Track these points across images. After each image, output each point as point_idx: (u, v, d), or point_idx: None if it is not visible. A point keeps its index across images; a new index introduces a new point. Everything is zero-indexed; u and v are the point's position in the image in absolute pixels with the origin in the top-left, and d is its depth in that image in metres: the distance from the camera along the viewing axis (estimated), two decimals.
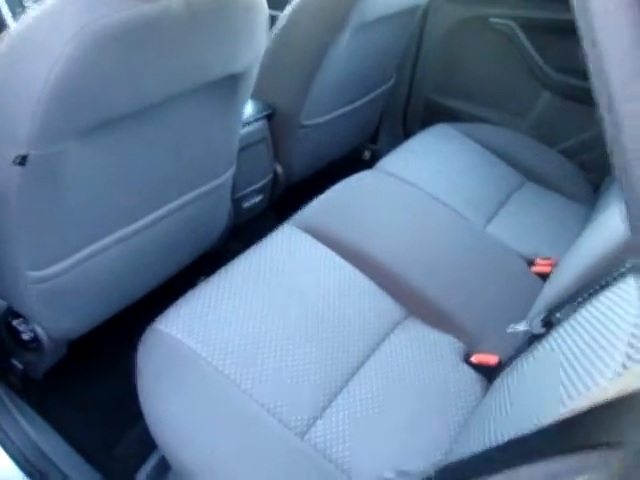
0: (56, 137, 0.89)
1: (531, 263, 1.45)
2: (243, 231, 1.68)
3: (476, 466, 0.62)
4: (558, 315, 0.95)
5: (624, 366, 0.59)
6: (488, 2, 1.95)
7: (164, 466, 1.18)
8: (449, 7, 1.99)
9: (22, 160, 0.88)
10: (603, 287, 0.87)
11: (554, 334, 0.90)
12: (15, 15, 1.69)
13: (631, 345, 0.62)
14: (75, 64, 0.83)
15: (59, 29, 0.83)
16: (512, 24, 1.91)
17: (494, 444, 0.69)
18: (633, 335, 0.64)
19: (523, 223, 1.59)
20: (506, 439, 0.67)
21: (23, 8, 1.71)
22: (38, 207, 0.98)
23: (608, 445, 0.44)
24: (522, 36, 1.91)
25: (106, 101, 0.92)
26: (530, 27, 1.90)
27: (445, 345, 1.17)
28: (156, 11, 0.89)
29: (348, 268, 1.26)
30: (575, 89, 1.88)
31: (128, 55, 0.89)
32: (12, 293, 1.16)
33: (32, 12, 0.86)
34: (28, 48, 0.86)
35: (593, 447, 0.46)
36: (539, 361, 0.84)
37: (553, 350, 0.83)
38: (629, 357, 0.60)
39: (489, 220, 1.56)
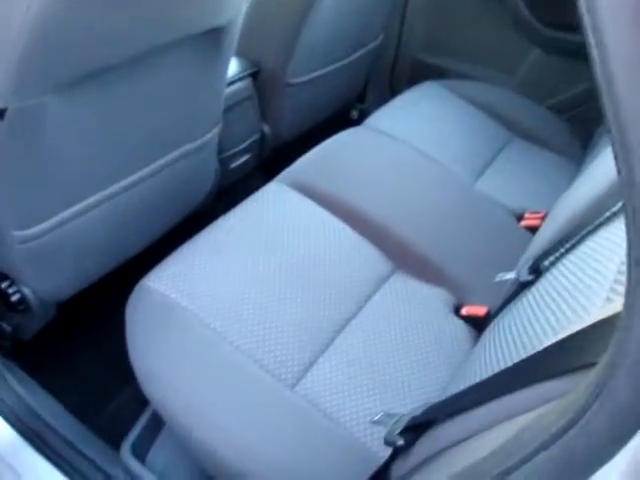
0: (33, 90, 0.87)
1: (520, 218, 1.45)
2: (230, 191, 1.67)
3: (470, 397, 0.62)
4: (546, 263, 0.95)
5: (609, 299, 0.59)
6: None
7: (157, 422, 1.19)
8: None
9: (1, 114, 0.87)
10: (590, 232, 0.87)
11: (542, 280, 0.90)
12: None
13: (617, 281, 0.62)
14: (45, 17, 0.80)
15: None
16: None
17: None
18: (619, 272, 0.64)
19: (512, 179, 1.58)
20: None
21: None
22: (20, 164, 0.97)
23: (592, 365, 0.45)
24: None
25: (82, 52, 0.90)
26: None
27: (434, 298, 1.18)
28: None
29: (336, 223, 1.25)
30: (564, 44, 1.86)
31: (100, 5, 0.87)
32: None
33: None
34: None
35: (580, 368, 0.47)
36: (527, 306, 0.85)
37: (541, 295, 0.84)
38: (615, 292, 0.60)
39: (478, 176, 1.56)
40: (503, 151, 1.69)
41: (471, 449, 0.60)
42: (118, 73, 0.99)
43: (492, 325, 1.01)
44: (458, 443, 0.62)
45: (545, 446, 0.45)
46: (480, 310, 1.15)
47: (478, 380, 0.70)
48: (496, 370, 0.72)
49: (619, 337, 0.41)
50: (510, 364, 0.64)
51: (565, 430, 0.43)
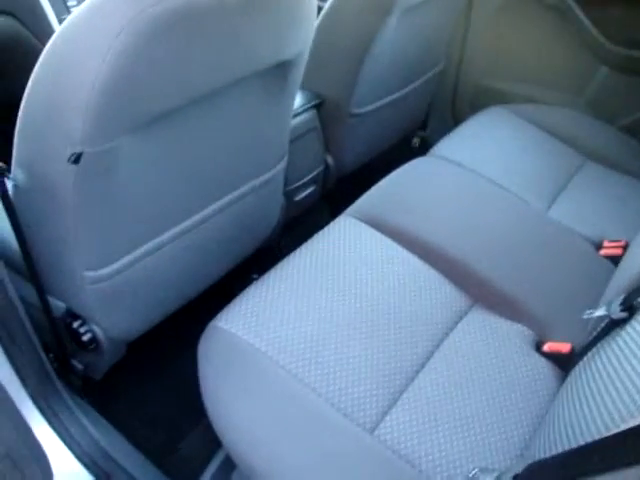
0: (109, 133, 0.87)
1: (599, 246, 1.38)
2: (296, 225, 1.66)
3: (577, 463, 0.57)
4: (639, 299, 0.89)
5: None
6: None
7: (229, 465, 1.16)
8: None
9: (77, 158, 0.87)
10: None
11: (639, 319, 0.84)
12: (61, 22, 1.70)
13: None
14: (124, 58, 0.81)
15: (106, 24, 0.80)
16: None
17: (583, 442, 0.65)
18: None
19: (587, 205, 1.52)
20: (597, 437, 0.62)
21: (69, 14, 1.71)
22: (92, 205, 0.97)
23: None
24: (576, 9, 1.82)
25: (157, 94, 0.89)
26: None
27: (514, 334, 1.12)
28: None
29: (409, 257, 1.22)
30: (635, 61, 1.79)
31: (177, 46, 0.86)
32: (70, 294, 1.15)
33: (76, 10, 0.84)
34: (76, 45, 0.84)
35: None
36: (625, 347, 0.79)
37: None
38: None
39: (551, 203, 1.50)
40: (576, 176, 1.63)
41: None
42: (188, 111, 0.99)
43: (581, 365, 0.96)
44: None
45: None
46: (564, 347, 1.09)
47: (586, 435, 0.65)
48: (598, 422, 0.67)
49: None
50: (627, 420, 0.58)
51: None
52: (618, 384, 0.72)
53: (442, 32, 1.83)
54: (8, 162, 1.01)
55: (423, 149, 1.65)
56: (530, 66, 2.00)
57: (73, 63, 0.83)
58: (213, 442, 1.21)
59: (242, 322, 1.04)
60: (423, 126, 2.17)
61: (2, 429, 0.92)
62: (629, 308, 0.89)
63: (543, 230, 1.38)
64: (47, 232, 1.05)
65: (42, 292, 1.16)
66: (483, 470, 0.82)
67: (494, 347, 1.09)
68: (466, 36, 2.03)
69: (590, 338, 1.00)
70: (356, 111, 1.64)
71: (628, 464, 0.48)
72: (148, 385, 1.39)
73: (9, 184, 1.01)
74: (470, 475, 0.85)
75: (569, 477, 0.55)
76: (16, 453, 0.93)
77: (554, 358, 1.10)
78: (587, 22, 1.83)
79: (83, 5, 0.82)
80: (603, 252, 1.36)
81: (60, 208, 0.97)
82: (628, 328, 0.85)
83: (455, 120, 2.10)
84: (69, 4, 1.74)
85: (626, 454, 0.50)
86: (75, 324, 1.18)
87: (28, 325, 1.07)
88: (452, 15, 1.79)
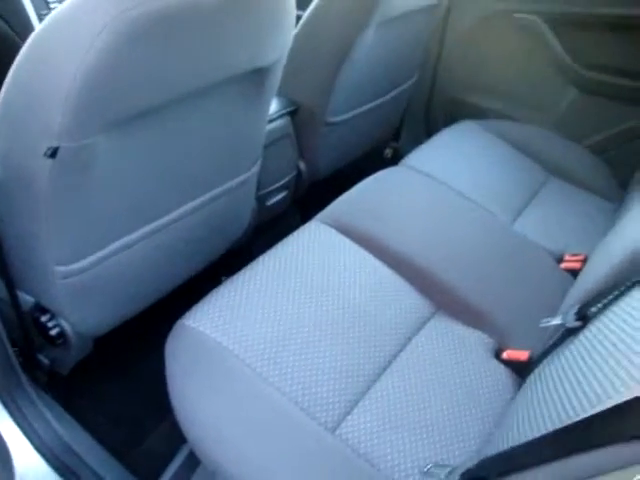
0: (87, 129, 0.89)
1: (560, 259, 1.43)
2: (267, 228, 1.68)
3: (520, 458, 0.60)
4: (593, 309, 0.93)
5: None
6: None
7: (193, 462, 1.18)
8: (472, 3, 1.98)
9: (53, 152, 0.88)
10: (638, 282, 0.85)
11: (591, 327, 0.88)
12: (41, 17, 1.71)
13: None
14: (105, 56, 0.82)
15: (88, 21, 0.82)
16: (537, 19, 1.88)
17: (534, 436, 0.68)
18: None
19: (550, 219, 1.57)
20: (548, 431, 0.65)
21: (49, 10, 1.72)
22: (67, 200, 0.98)
23: None
24: (548, 32, 1.88)
25: (135, 93, 0.91)
26: (556, 22, 1.87)
27: (475, 341, 1.16)
28: (184, 3, 0.88)
29: (376, 264, 1.25)
30: (603, 85, 1.86)
31: (157, 47, 0.88)
32: (40, 288, 1.16)
33: (60, 6, 0.86)
34: (58, 41, 0.85)
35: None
36: (577, 355, 0.83)
37: (592, 345, 0.82)
38: None
39: (516, 216, 1.54)
40: (541, 191, 1.68)
41: None
42: (165, 112, 1.01)
43: (537, 372, 0.99)
44: None
45: None
46: (522, 355, 1.13)
47: (528, 433, 0.68)
48: (548, 425, 0.70)
49: None
50: (566, 420, 0.62)
51: None
52: (565, 386, 0.75)
53: (417, 45, 1.87)
54: None
55: (395, 159, 1.68)
56: (502, 82, 2.05)
57: (55, 56, 0.84)
58: (177, 439, 1.22)
59: (210, 321, 1.06)
60: (396, 137, 2.21)
61: None
62: (583, 318, 0.93)
63: (508, 242, 1.43)
64: (20, 226, 1.06)
65: (12, 286, 1.16)
66: (437, 465, 0.85)
67: (455, 353, 1.12)
68: (441, 50, 2.08)
69: (546, 346, 1.04)
70: (330, 119, 1.68)
71: (555, 458, 0.51)
72: (113, 382, 1.40)
73: None
74: (425, 470, 0.88)
75: (509, 470, 0.59)
76: None
77: (512, 365, 1.14)
78: (558, 46, 1.89)
79: (67, 1, 0.84)
80: (564, 265, 1.41)
81: (34, 201, 0.98)
82: (580, 336, 0.89)
83: (428, 132, 2.14)
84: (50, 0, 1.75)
85: (554, 451, 0.53)
86: (43, 318, 1.18)
87: None
88: (428, 29, 1.84)
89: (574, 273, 1.36)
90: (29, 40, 0.87)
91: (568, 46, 1.88)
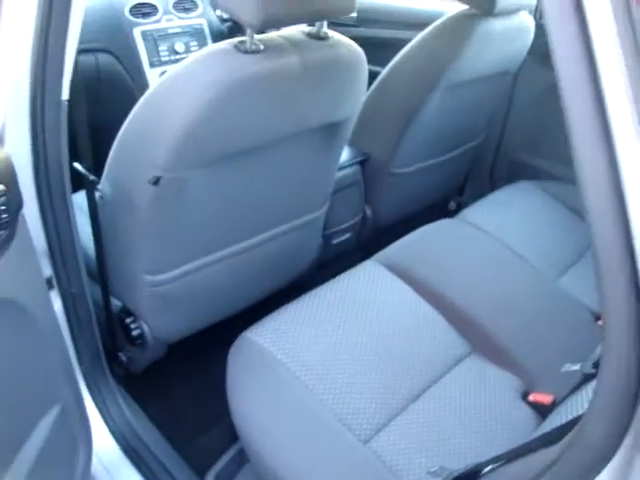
0: (185, 165, 1.08)
1: (598, 317, 1.51)
2: (330, 265, 1.83)
3: (507, 455, 0.74)
4: None
5: None
6: None
7: (240, 460, 1.33)
8: (540, 71, 2.09)
9: (156, 181, 1.08)
10: None
11: None
12: (152, 64, 1.96)
13: None
14: (207, 109, 1.02)
15: (198, 80, 1.03)
16: None
17: None
18: None
19: (594, 280, 1.65)
20: None
21: (159, 58, 1.98)
22: (161, 221, 1.17)
23: None
24: None
25: (227, 139, 1.11)
26: None
27: (505, 382, 1.26)
28: (276, 67, 1.07)
29: (421, 303, 1.38)
30: None
31: (249, 102, 1.08)
32: (128, 294, 1.36)
33: (178, 65, 1.07)
34: (172, 93, 1.06)
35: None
36: (584, 400, 0.93)
37: None
38: None
39: (562, 274, 1.64)
40: (588, 253, 1.76)
41: None
42: (250, 155, 1.19)
43: (555, 412, 1.10)
44: None
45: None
46: (546, 398, 1.22)
47: None
48: None
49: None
50: None
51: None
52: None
53: (484, 109, 2.00)
54: (98, 176, 1.23)
55: (458, 213, 1.80)
56: (562, 147, 2.14)
57: (169, 104, 1.05)
58: (229, 440, 1.39)
59: (268, 336, 1.22)
60: (460, 191, 2.34)
61: (63, 389, 1.10)
62: (597, 365, 1.03)
63: (549, 296, 1.53)
64: (119, 239, 1.27)
65: (107, 292, 1.36)
66: (443, 468, 0.97)
67: (484, 390, 1.24)
68: (508, 113, 2.20)
69: (567, 392, 1.14)
70: (397, 171, 1.84)
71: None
72: (179, 384, 1.57)
73: (97, 195, 1.23)
74: (432, 470, 0.99)
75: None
76: (69, 412, 1.12)
77: (537, 408, 1.24)
78: None
79: (184, 62, 1.05)
80: (601, 322, 1.49)
81: (134, 220, 1.18)
82: (593, 381, 0.99)
83: (491, 189, 2.25)
84: (160, 49, 2.01)
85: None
86: (128, 320, 1.38)
87: (94, 319, 1.27)
88: (494, 95, 1.97)
89: None
90: (149, 89, 1.09)
91: None
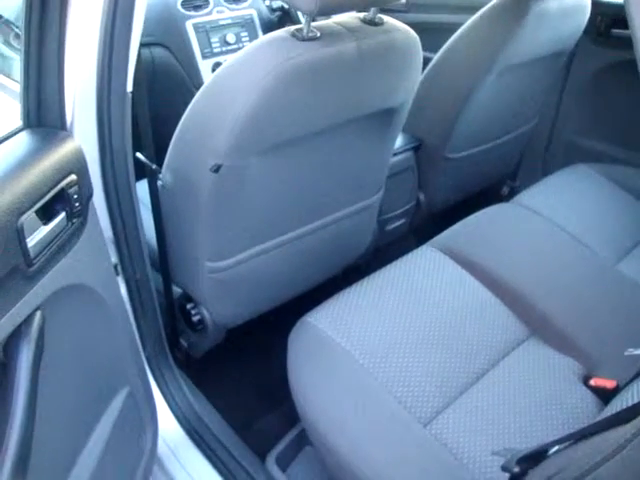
0: (245, 152, 1.11)
1: None
2: (385, 250, 1.84)
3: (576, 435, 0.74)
4: None
5: None
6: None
7: (300, 441, 1.36)
8: (597, 51, 2.05)
9: (217, 168, 1.10)
10: None
11: None
12: (204, 56, 2.00)
13: None
14: (266, 96, 1.04)
15: (256, 68, 1.04)
16: None
17: None
18: None
19: None
20: None
21: (211, 49, 2.01)
22: (222, 207, 1.20)
23: None
24: None
25: (285, 126, 1.12)
26: None
27: (565, 366, 1.26)
28: (333, 54, 1.08)
29: (479, 287, 1.38)
30: None
31: (307, 89, 1.09)
32: (189, 280, 1.39)
33: (236, 54, 1.09)
34: (231, 82, 1.08)
35: None
36: None
37: None
38: None
39: (621, 258, 1.61)
40: None
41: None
42: (306, 142, 1.21)
43: (619, 397, 1.08)
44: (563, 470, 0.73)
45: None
46: (609, 383, 1.21)
47: None
48: None
49: None
50: None
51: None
52: None
53: (538, 91, 1.97)
54: (159, 165, 1.26)
55: (511, 197, 1.79)
56: (623, 130, 2.10)
57: (228, 93, 1.07)
58: (287, 424, 1.41)
59: (328, 320, 1.24)
60: (513, 176, 2.32)
61: (131, 371, 1.15)
62: None
63: (609, 279, 1.50)
64: (181, 227, 1.30)
65: (168, 279, 1.40)
66: (507, 449, 0.97)
67: (544, 374, 1.23)
68: (561, 96, 2.16)
69: (632, 375, 1.12)
70: (450, 156, 1.83)
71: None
72: (239, 368, 1.61)
73: (159, 184, 1.27)
74: (496, 450, 1.00)
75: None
76: (137, 394, 1.16)
77: (599, 392, 1.23)
78: None
79: (242, 51, 1.07)
80: None
81: (196, 207, 1.21)
82: None
83: (545, 174, 2.22)
84: (212, 40, 2.04)
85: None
86: (188, 306, 1.42)
87: (156, 305, 1.31)
88: (549, 76, 1.94)
89: None
90: (209, 80, 1.11)
91: None
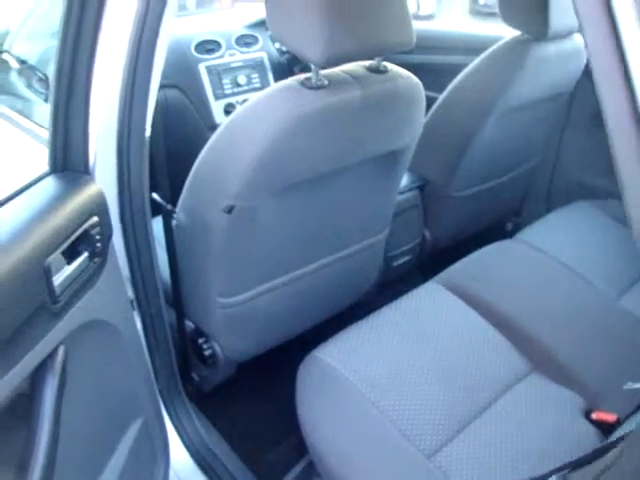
0: (256, 194, 1.16)
1: None
2: (391, 286, 1.88)
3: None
4: None
5: None
6: None
7: (308, 474, 1.39)
8: (594, 93, 2.10)
9: (230, 209, 1.16)
10: None
11: None
12: (216, 97, 2.08)
13: None
14: (274, 144, 1.11)
15: (266, 117, 1.11)
16: None
17: None
18: None
19: None
20: None
21: (223, 90, 2.09)
22: (234, 247, 1.25)
23: None
24: None
25: (295, 169, 1.18)
26: None
27: (566, 400, 1.28)
28: (339, 102, 1.14)
29: (482, 323, 1.42)
30: None
31: (315, 136, 1.15)
32: (201, 315, 1.44)
33: (249, 102, 1.15)
34: (243, 129, 1.14)
35: None
36: None
37: None
38: None
39: (622, 293, 1.64)
40: None
41: None
42: (314, 184, 1.26)
43: (620, 430, 1.11)
44: None
45: None
46: (610, 417, 1.24)
47: None
48: None
49: None
50: None
51: None
52: None
53: (540, 130, 2.03)
54: (174, 205, 1.32)
55: (515, 233, 1.83)
56: None
57: (240, 140, 1.13)
58: (296, 455, 1.44)
59: (336, 355, 1.28)
60: (517, 212, 2.36)
61: (145, 402, 1.19)
62: None
63: (610, 314, 1.54)
64: (194, 265, 1.35)
65: (181, 314, 1.45)
66: None
67: (546, 408, 1.26)
68: (564, 133, 2.21)
69: (631, 410, 1.16)
70: (455, 194, 1.89)
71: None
72: (249, 401, 1.64)
73: (173, 223, 1.32)
74: None
75: None
76: (150, 426, 1.20)
77: (601, 426, 1.25)
78: None
79: (253, 99, 1.13)
80: None
81: (208, 246, 1.27)
82: None
83: (548, 210, 2.26)
84: (224, 82, 2.12)
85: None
86: (200, 340, 1.46)
87: (170, 339, 1.36)
88: (550, 115, 1.99)
89: None
90: (222, 125, 1.17)
91: None
